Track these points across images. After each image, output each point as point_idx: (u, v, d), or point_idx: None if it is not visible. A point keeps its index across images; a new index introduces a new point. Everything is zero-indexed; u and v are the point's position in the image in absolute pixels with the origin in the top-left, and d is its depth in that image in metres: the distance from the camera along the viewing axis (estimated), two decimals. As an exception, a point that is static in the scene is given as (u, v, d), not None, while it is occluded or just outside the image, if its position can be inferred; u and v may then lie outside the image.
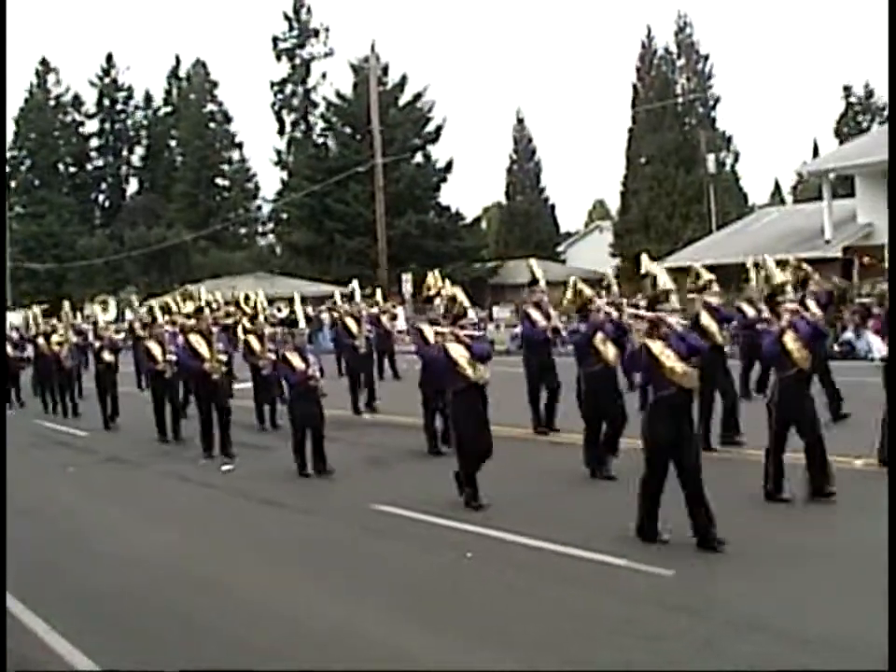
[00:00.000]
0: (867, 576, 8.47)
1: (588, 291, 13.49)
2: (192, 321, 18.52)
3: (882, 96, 66.74)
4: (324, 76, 78.15)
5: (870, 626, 7.24)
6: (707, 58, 64.15)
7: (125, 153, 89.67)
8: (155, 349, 19.14)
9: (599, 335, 12.97)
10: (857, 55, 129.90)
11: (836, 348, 27.46)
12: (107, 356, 21.62)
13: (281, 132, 79.34)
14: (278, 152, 78.50)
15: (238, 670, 7.40)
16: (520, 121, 76.74)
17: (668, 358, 9.51)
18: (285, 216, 76.67)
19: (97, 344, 22.26)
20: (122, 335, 26.98)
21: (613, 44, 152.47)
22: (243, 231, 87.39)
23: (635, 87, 63.28)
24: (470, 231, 67.31)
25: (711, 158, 58.12)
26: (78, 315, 33.23)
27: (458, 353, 11.46)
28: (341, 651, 7.66)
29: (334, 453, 14.90)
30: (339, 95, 68.57)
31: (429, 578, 9.52)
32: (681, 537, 9.86)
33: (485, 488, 11.78)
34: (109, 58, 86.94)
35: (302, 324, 15.00)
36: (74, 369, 24.78)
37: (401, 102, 66.66)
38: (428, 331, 14.80)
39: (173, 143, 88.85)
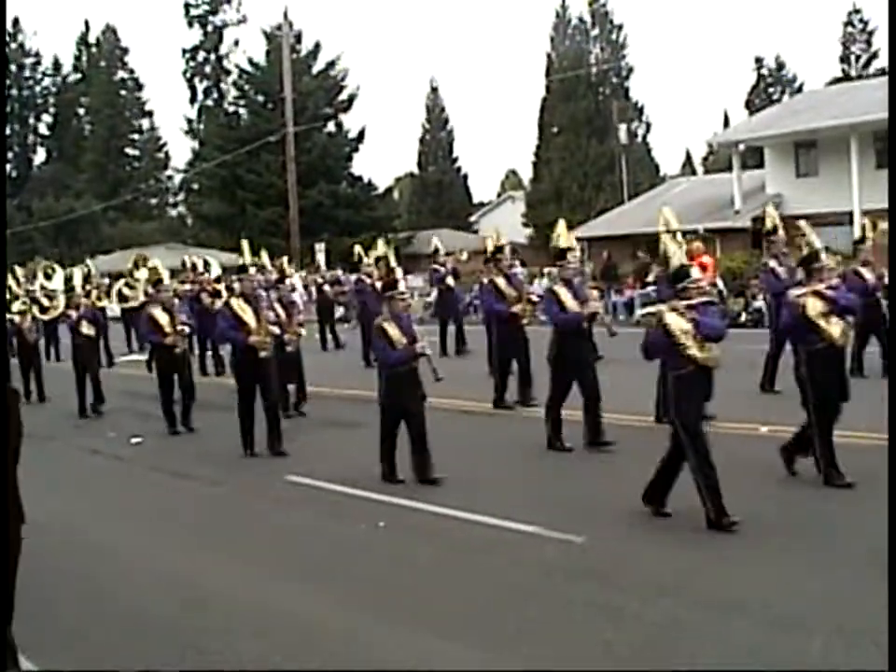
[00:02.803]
0: (787, 541, 8.68)
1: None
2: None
3: (792, 69, 67.72)
4: (236, 43, 77.44)
5: (781, 590, 7.45)
6: (620, 28, 64.27)
7: (32, 121, 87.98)
8: (161, 318, 16.30)
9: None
10: (769, 28, 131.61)
11: (746, 317, 27.90)
12: (86, 328, 19.11)
13: (193, 100, 78.41)
14: (189, 121, 77.63)
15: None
16: (433, 90, 76.67)
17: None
18: (196, 186, 75.74)
19: (74, 315, 19.39)
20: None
21: (527, 13, 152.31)
22: (153, 201, 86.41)
23: (549, 56, 63.25)
24: (383, 201, 67.01)
25: (623, 128, 58.34)
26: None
27: (680, 327, 9.20)
28: (244, 621, 7.61)
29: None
30: (251, 63, 67.69)
31: (340, 548, 9.51)
32: (593, 502, 9.99)
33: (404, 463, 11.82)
34: (16, 22, 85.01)
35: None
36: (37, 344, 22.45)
37: (314, 70, 66.04)
38: (566, 295, 13.05)
39: (82, 111, 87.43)
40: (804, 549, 8.49)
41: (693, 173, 72.28)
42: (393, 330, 11.54)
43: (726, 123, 70.67)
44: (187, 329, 16.46)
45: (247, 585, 8.45)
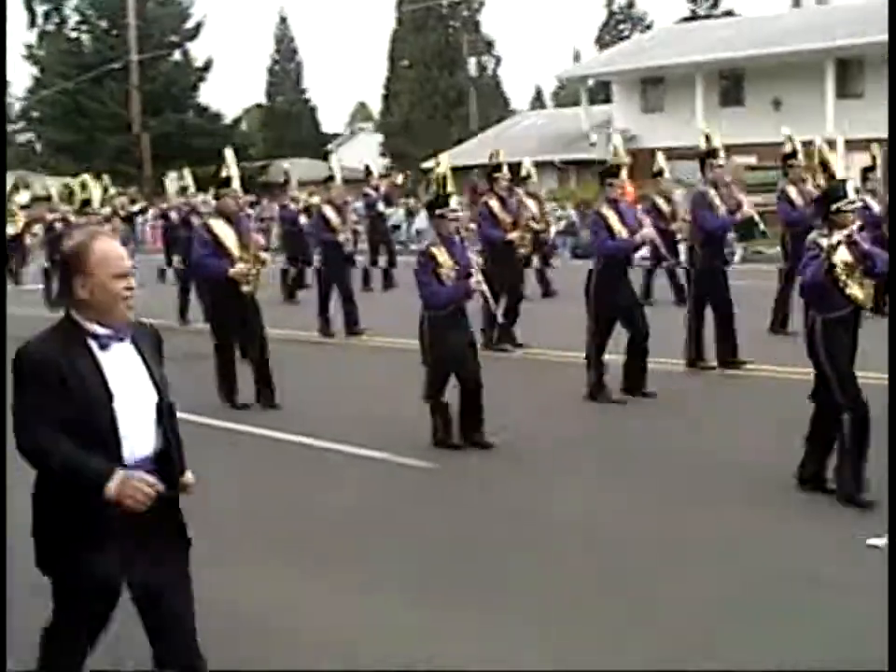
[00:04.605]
0: (628, 466, 8.91)
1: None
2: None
3: (642, 6, 68.19)
4: (77, -35, 74.78)
5: (616, 515, 7.66)
6: (472, -40, 64.07)
7: None
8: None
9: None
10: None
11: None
12: None
13: (32, 24, 75.51)
14: (29, 46, 74.84)
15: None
16: (282, 20, 75.57)
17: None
18: (37, 114, 73.24)
19: None
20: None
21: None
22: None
23: (400, -12, 62.84)
24: (236, 131, 65.91)
25: (473, 61, 58.53)
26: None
27: (843, 260, 7.49)
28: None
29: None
30: (93, -14, 65.55)
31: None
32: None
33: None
34: None
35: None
36: None
37: (160, -4, 64.29)
38: (614, 219, 11.39)
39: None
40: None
41: (543, 107, 72.79)
42: (444, 258, 9.40)
43: (577, 60, 71.30)
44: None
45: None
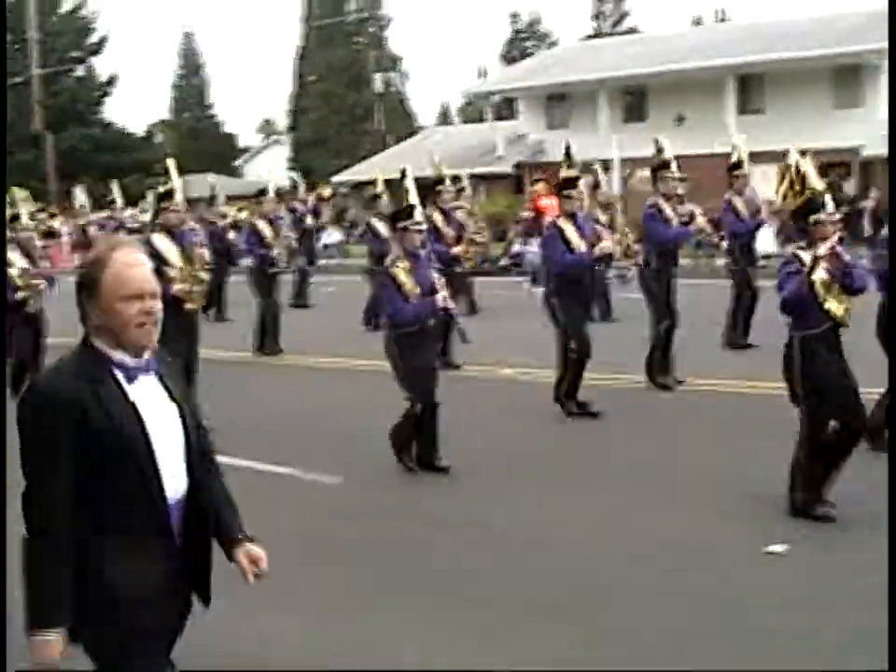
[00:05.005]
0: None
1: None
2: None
3: (547, 24, 68.72)
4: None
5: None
6: (379, -23, 64.30)
7: None
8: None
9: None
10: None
11: (506, 261, 28.53)
12: None
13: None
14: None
15: None
16: (187, 36, 75.13)
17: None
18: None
19: None
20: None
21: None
22: None
23: (309, 2, 62.74)
24: (146, 145, 65.24)
25: (380, 77, 58.62)
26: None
27: (819, 277, 7.25)
28: None
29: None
30: (-6, 0, 64.54)
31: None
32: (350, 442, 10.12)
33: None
34: None
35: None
36: None
37: (62, 10, 63.44)
38: (572, 232, 10.93)
39: None
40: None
41: (450, 123, 73.09)
42: (407, 274, 8.93)
43: (482, 76, 71.70)
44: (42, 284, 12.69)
45: None
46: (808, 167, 7.74)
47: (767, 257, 18.69)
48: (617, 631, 5.87)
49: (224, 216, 22.08)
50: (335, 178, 44.44)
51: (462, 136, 47.80)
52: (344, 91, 59.49)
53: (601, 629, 5.91)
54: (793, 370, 7.40)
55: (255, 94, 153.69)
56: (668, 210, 12.38)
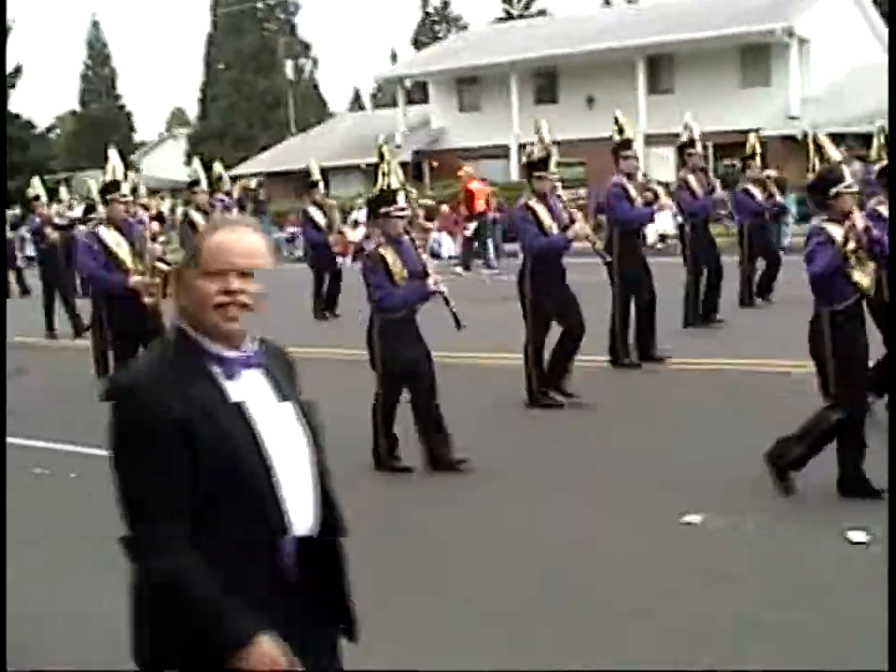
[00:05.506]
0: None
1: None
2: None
3: (457, 8, 68.82)
4: None
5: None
6: (287, -39, 63.74)
7: None
8: None
9: None
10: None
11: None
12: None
13: None
14: None
15: None
16: (94, 25, 73.95)
17: None
18: None
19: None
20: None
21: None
22: None
23: (217, -10, 62.07)
24: (39, 141, 64.04)
25: (290, 64, 58.12)
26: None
27: (850, 248, 7.08)
28: None
29: None
30: None
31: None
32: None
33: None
34: None
35: None
36: None
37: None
38: (544, 214, 10.65)
39: None
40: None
41: (362, 109, 72.73)
42: (393, 259, 8.52)
43: (394, 60, 71.46)
44: None
45: None
46: (825, 140, 7.87)
47: (664, 237, 18.44)
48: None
49: (146, 207, 21.53)
50: (233, 171, 43.59)
51: (372, 122, 47.31)
52: (254, 78, 58.85)
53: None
54: (824, 346, 7.26)
55: (166, 84, 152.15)
56: (632, 190, 12.34)
